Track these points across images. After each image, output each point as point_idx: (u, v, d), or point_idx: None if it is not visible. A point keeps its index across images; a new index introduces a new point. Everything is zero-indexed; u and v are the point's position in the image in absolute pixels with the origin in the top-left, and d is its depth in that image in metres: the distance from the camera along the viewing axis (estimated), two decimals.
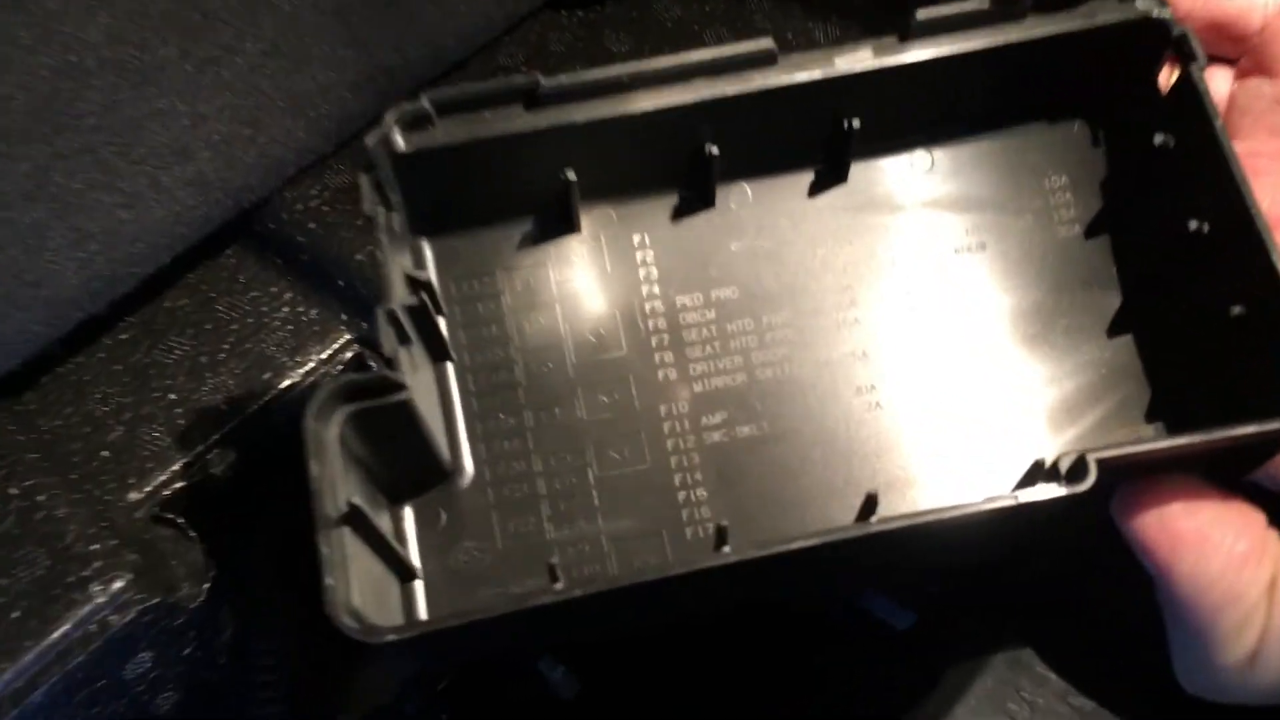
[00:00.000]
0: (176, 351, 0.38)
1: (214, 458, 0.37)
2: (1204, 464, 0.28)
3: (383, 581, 0.29)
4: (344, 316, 0.39)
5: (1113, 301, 0.33)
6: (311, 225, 0.40)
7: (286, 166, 0.38)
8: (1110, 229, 0.34)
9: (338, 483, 0.26)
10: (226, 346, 0.38)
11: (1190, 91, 0.30)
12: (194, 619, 0.36)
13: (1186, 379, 0.32)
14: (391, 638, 0.24)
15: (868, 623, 0.40)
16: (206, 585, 0.36)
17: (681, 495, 0.32)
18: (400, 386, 0.27)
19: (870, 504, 0.28)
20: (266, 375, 0.38)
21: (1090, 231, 0.34)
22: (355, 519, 0.26)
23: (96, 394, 0.37)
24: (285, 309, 0.39)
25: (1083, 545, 0.36)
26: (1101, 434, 0.32)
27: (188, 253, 0.38)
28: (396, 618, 0.29)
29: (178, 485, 0.36)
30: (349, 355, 0.39)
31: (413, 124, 0.30)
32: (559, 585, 0.26)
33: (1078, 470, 0.26)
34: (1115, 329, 0.33)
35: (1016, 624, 0.39)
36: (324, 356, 0.39)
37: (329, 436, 0.27)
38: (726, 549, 0.28)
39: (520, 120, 0.30)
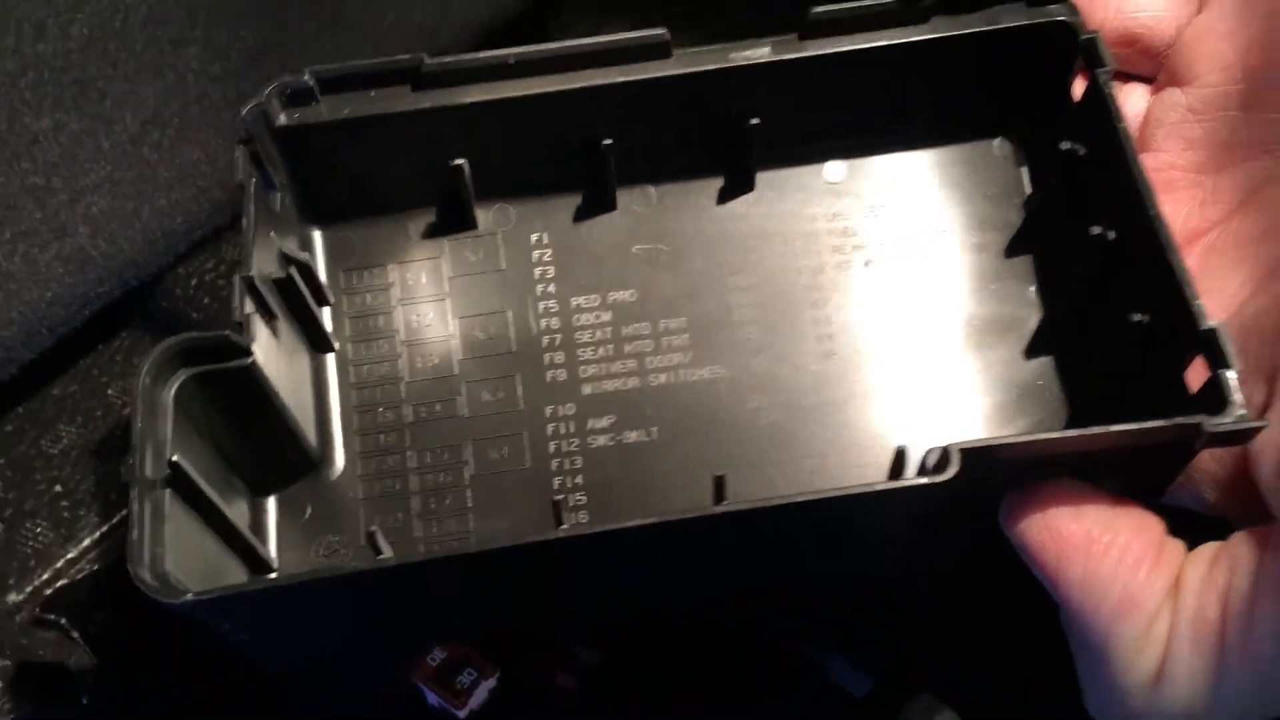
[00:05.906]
0: (64, 440, 0.35)
1: (101, 553, 0.33)
2: (1118, 478, 0.26)
3: (220, 564, 0.27)
4: None
5: (1031, 321, 0.32)
6: (207, 300, 0.37)
7: (176, 241, 0.35)
8: (1030, 247, 0.32)
9: (166, 444, 0.25)
10: (119, 433, 0.35)
11: (1097, 96, 0.29)
12: None
13: (1100, 398, 0.30)
14: (190, 598, 0.23)
15: (825, 688, 0.38)
16: (86, 697, 0.32)
17: (559, 499, 0.30)
18: (244, 351, 0.26)
19: (719, 487, 0.26)
20: None
21: (1011, 249, 0.32)
22: (180, 482, 0.25)
23: None
24: None
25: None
26: None
27: (78, 337, 0.35)
28: None
29: (61, 584, 0.33)
30: None
31: (295, 99, 0.29)
32: (383, 555, 0.24)
33: (942, 463, 0.24)
34: (1033, 349, 0.31)
35: (973, 696, 0.37)
36: None
37: (164, 397, 0.26)
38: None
39: (405, 100, 0.30)
